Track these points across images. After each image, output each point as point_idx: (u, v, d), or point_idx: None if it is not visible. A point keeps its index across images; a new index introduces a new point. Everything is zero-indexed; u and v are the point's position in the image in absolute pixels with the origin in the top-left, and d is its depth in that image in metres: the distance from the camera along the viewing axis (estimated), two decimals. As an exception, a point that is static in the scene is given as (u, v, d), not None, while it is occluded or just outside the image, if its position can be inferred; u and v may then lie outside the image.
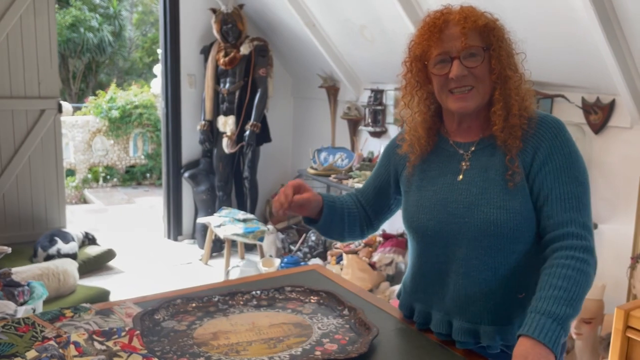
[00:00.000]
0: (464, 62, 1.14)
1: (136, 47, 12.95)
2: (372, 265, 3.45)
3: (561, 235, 1.10)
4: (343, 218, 1.36)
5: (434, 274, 1.23)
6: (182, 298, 1.36)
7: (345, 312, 1.32)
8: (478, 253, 1.15)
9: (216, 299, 1.37)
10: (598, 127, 2.51)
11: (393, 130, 3.80)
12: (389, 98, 3.76)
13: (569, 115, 2.55)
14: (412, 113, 1.26)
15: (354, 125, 4.11)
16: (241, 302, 1.38)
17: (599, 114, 2.49)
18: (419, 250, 1.27)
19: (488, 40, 1.15)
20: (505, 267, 1.15)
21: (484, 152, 1.20)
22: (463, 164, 1.21)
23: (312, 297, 1.41)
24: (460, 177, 1.20)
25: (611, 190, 2.50)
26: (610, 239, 2.48)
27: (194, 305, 1.35)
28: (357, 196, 1.42)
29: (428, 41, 1.16)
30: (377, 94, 3.81)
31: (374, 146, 3.95)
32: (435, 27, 1.15)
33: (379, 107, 3.82)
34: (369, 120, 3.87)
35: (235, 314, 1.32)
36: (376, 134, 3.90)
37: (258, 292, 1.41)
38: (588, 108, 2.53)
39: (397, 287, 3.35)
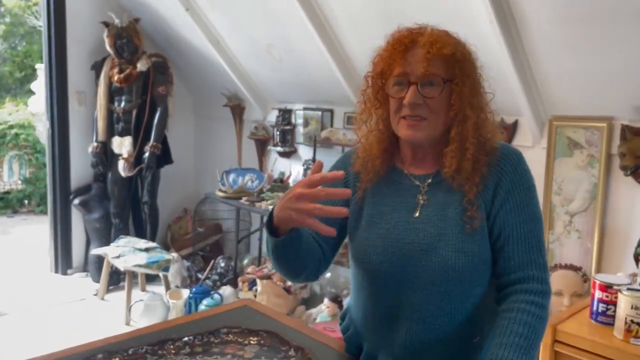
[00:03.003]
0: (421, 90, 1.06)
1: (4, 60, 11.74)
2: (287, 290, 3.34)
3: (522, 278, 1.07)
4: (310, 243, 1.16)
5: (384, 317, 1.15)
6: (104, 352, 1.16)
7: (292, 352, 1.20)
8: (435, 298, 1.08)
9: (144, 350, 1.20)
10: (503, 146, 2.64)
11: (303, 150, 3.75)
12: (298, 117, 3.71)
13: (476, 135, 2.66)
14: (369, 131, 1.16)
15: (262, 145, 4.00)
16: (172, 351, 1.21)
17: (504, 134, 2.63)
18: (369, 291, 1.17)
19: (452, 72, 1.07)
20: (462, 311, 1.09)
21: (441, 186, 1.13)
22: (420, 197, 1.13)
23: (251, 338, 1.27)
24: (417, 213, 1.12)
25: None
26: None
27: (117, 360, 1.17)
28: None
29: (390, 59, 1.08)
30: (286, 114, 3.75)
31: (284, 166, 3.87)
32: (400, 45, 1.07)
33: (288, 127, 3.75)
34: (278, 140, 3.80)
35: (168, 365, 1.16)
36: (285, 154, 3.83)
37: (191, 337, 1.25)
38: (493, 128, 2.66)
39: (313, 311, 3.27)
